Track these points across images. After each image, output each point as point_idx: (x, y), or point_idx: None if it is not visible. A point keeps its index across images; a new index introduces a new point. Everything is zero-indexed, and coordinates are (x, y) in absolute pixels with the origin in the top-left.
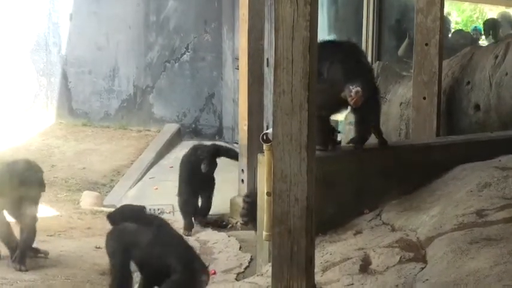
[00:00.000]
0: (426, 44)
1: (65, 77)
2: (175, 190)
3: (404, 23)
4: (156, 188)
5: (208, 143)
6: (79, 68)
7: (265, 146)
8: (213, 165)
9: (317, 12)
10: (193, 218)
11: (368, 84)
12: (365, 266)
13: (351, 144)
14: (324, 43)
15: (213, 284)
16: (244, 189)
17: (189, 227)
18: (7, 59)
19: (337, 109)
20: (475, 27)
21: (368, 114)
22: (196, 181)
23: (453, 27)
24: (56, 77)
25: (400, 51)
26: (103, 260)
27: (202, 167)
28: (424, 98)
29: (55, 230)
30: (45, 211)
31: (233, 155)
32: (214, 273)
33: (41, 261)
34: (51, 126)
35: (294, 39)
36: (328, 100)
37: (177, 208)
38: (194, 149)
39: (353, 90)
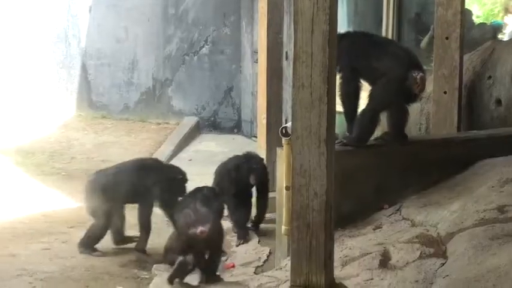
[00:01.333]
0: (447, 38)
1: (84, 69)
2: (194, 183)
3: (424, 16)
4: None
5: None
6: (98, 60)
7: (284, 140)
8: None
9: (336, 6)
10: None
11: (425, 73)
12: (385, 261)
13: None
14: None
15: (231, 277)
16: None
17: (243, 236)
18: (27, 52)
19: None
20: (494, 21)
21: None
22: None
23: (474, 21)
24: (76, 70)
25: (423, 45)
26: (123, 251)
27: (252, 178)
28: (445, 93)
29: (75, 221)
30: (65, 203)
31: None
32: (233, 266)
33: (60, 253)
34: (71, 119)
35: (313, 32)
36: (392, 92)
37: None
38: (244, 158)
39: (418, 77)
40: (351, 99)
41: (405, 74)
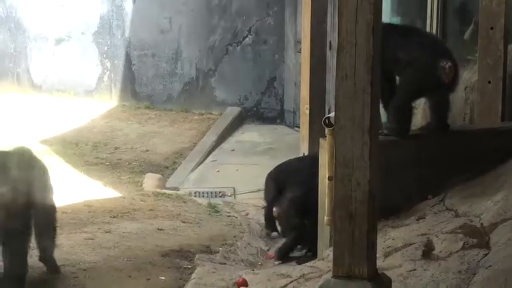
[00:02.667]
0: (491, 28)
1: (128, 59)
2: (237, 173)
3: (469, 6)
4: (218, 171)
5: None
6: (142, 50)
7: (327, 130)
8: None
9: None
10: None
11: (455, 61)
12: (428, 252)
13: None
14: (395, 28)
15: (274, 267)
16: None
17: None
18: (72, 42)
19: (427, 91)
20: None
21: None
22: None
23: None
24: (120, 60)
25: (466, 36)
26: (165, 241)
27: None
28: (489, 82)
29: (118, 211)
30: (108, 193)
31: None
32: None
33: (103, 243)
34: (115, 109)
35: (357, 22)
36: (419, 82)
37: (238, 191)
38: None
39: (446, 66)
40: (384, 91)
41: (432, 64)
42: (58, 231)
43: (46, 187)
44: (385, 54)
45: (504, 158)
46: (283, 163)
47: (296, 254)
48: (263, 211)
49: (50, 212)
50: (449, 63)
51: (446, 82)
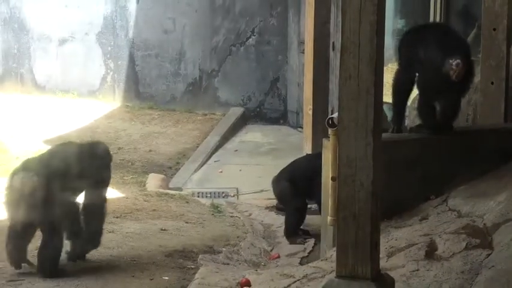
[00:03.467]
0: (494, 29)
1: (132, 60)
2: (240, 173)
3: (472, 7)
4: (221, 171)
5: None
6: (146, 51)
7: (330, 131)
8: None
9: None
10: None
11: (468, 59)
12: (430, 252)
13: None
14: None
15: (277, 268)
16: None
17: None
18: (76, 42)
19: (442, 90)
20: None
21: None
22: None
23: None
24: (123, 60)
25: (469, 39)
26: (168, 242)
27: None
28: (492, 83)
29: (121, 211)
30: (111, 193)
31: None
32: (278, 256)
33: (107, 243)
34: (118, 109)
35: (361, 23)
36: (432, 81)
37: (241, 191)
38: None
39: (454, 63)
40: (403, 91)
41: (441, 61)
42: None
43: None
44: (413, 55)
45: (507, 159)
46: (294, 162)
47: (299, 254)
48: (266, 211)
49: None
50: (457, 60)
51: (455, 79)
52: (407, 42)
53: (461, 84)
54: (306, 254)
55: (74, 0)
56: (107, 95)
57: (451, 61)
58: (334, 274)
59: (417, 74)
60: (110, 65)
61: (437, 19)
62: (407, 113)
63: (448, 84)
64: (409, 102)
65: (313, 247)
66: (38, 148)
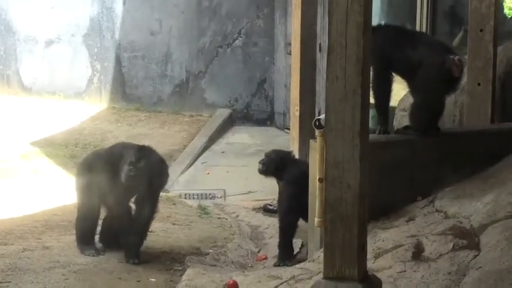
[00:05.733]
0: (481, 30)
1: (118, 61)
2: (227, 175)
3: (458, 9)
4: (208, 173)
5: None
6: (132, 53)
7: (317, 132)
8: None
9: None
10: None
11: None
12: (418, 253)
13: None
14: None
15: (264, 269)
16: None
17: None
18: (62, 44)
19: (444, 89)
20: None
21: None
22: None
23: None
24: (110, 62)
25: (456, 42)
26: (155, 243)
27: None
28: (479, 84)
29: None
30: None
31: None
32: (266, 258)
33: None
34: (104, 111)
35: (347, 24)
36: (434, 79)
37: (228, 193)
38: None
39: (455, 58)
40: (384, 91)
41: (442, 59)
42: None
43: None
44: (395, 55)
45: (493, 160)
46: None
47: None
48: (254, 213)
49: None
50: (457, 56)
51: (457, 75)
52: (384, 42)
53: (457, 84)
54: (293, 256)
55: (60, 1)
56: (94, 96)
57: (452, 57)
58: (321, 275)
59: (405, 77)
60: (97, 67)
61: (424, 21)
62: (394, 115)
63: (448, 83)
64: (395, 104)
65: (300, 248)
66: (24, 150)
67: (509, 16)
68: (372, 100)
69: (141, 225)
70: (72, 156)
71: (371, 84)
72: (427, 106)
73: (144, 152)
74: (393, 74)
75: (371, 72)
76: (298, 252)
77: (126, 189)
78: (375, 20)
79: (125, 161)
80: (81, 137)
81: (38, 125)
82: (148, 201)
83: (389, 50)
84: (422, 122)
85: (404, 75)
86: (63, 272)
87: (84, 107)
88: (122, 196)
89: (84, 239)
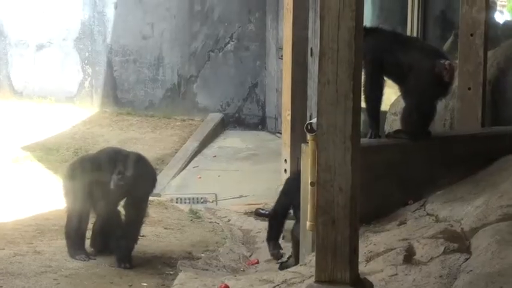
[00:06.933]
0: (471, 35)
1: (109, 65)
2: (218, 179)
3: (449, 13)
4: (200, 177)
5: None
6: (124, 56)
7: (309, 136)
8: None
9: (363, 2)
10: None
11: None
12: (409, 257)
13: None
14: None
15: (256, 273)
16: None
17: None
18: (53, 48)
19: (434, 94)
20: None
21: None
22: None
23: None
24: (101, 66)
25: (446, 46)
26: (147, 248)
27: None
28: (469, 89)
29: None
30: None
31: None
32: (257, 262)
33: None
34: (96, 115)
35: (339, 28)
36: (425, 83)
37: (220, 197)
38: None
39: (446, 63)
40: (375, 95)
41: (433, 63)
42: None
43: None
44: (387, 59)
45: (484, 164)
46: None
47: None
48: (245, 217)
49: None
50: (448, 61)
51: (448, 80)
52: (376, 46)
53: (448, 88)
54: (285, 259)
55: (51, 5)
56: (85, 100)
57: (442, 61)
58: (313, 279)
59: (396, 81)
60: (88, 71)
61: (415, 25)
62: (385, 119)
63: (438, 87)
64: (386, 108)
65: (292, 252)
66: (15, 154)
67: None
68: (363, 104)
69: (131, 229)
70: (63, 161)
71: (363, 88)
72: (418, 110)
73: (131, 159)
74: (385, 78)
75: (363, 76)
76: (290, 256)
77: (114, 194)
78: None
79: (113, 169)
80: (72, 141)
81: (29, 129)
82: (137, 205)
83: (381, 54)
84: (413, 126)
85: (396, 80)
86: (55, 276)
87: (76, 111)
88: (111, 201)
89: (75, 244)
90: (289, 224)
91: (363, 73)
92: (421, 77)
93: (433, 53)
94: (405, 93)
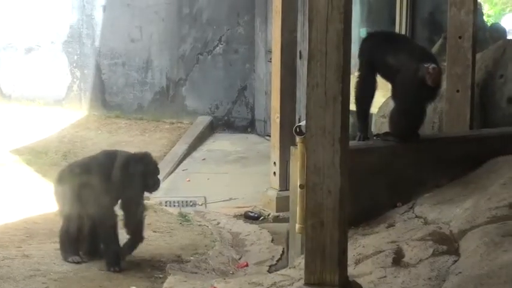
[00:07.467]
0: (460, 37)
1: (98, 69)
2: (208, 182)
3: (437, 16)
4: (189, 180)
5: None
6: (112, 60)
7: (298, 139)
8: None
9: (351, 5)
10: None
11: (440, 67)
12: (398, 259)
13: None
14: (376, 34)
15: (245, 276)
16: (276, 182)
17: None
18: (41, 51)
19: (419, 97)
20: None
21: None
22: None
23: (485, 20)
24: (90, 69)
25: (435, 49)
26: (136, 251)
27: None
28: (458, 91)
29: None
30: None
31: None
32: (247, 265)
33: None
34: (85, 118)
35: (328, 31)
36: (411, 87)
37: (209, 200)
38: None
39: (430, 67)
40: (365, 98)
41: (416, 67)
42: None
43: None
44: (379, 61)
45: (473, 166)
46: None
47: (267, 262)
48: (235, 220)
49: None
50: (433, 65)
51: (431, 84)
52: (371, 49)
53: (434, 92)
54: (274, 262)
55: (40, 9)
56: (73, 103)
57: (426, 65)
58: (302, 282)
59: (390, 83)
60: (76, 74)
61: (403, 27)
62: (373, 121)
63: (423, 91)
64: (375, 110)
65: (281, 255)
66: (4, 158)
67: (489, 24)
68: (352, 107)
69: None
70: (52, 164)
71: (354, 90)
72: (404, 113)
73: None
74: (377, 80)
75: (356, 78)
76: (279, 259)
77: (111, 196)
78: (355, 28)
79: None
80: (61, 145)
81: (17, 132)
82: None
83: (373, 56)
84: (401, 128)
85: (388, 81)
86: (44, 280)
87: (64, 115)
88: (108, 203)
89: (68, 247)
90: (282, 227)
91: (354, 75)
92: (405, 80)
93: (420, 55)
94: (393, 95)
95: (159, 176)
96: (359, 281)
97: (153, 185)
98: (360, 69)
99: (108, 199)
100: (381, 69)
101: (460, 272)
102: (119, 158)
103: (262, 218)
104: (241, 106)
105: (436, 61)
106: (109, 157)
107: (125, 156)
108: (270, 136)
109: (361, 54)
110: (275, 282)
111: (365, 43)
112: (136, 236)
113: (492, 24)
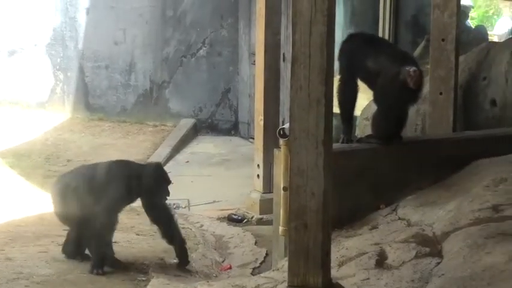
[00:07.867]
0: (443, 40)
1: (81, 71)
2: (191, 185)
3: (420, 18)
4: (172, 183)
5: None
6: (96, 62)
7: (281, 141)
8: None
9: (335, 7)
10: None
11: (421, 70)
12: (381, 261)
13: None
14: (356, 36)
15: (229, 279)
16: (260, 185)
17: None
18: (24, 54)
19: (401, 100)
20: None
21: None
22: None
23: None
24: (73, 72)
25: (418, 51)
26: (119, 254)
27: None
28: (441, 93)
29: None
30: None
31: None
32: (230, 267)
33: (57, 256)
34: (68, 121)
35: (311, 34)
36: (391, 90)
37: (192, 202)
38: None
39: (411, 70)
40: (349, 101)
41: (397, 70)
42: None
43: None
44: (358, 64)
45: (456, 168)
46: None
47: (251, 264)
48: (218, 222)
49: None
50: (414, 68)
51: (413, 86)
52: (351, 52)
53: (415, 94)
54: (258, 265)
55: (23, 11)
56: (56, 106)
57: (407, 68)
58: (285, 284)
59: (369, 87)
60: (60, 76)
61: (387, 29)
62: (357, 123)
63: (405, 93)
64: (358, 113)
65: (264, 257)
66: None
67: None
68: (336, 109)
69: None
70: (35, 167)
71: (336, 94)
72: (386, 115)
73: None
74: (358, 83)
75: (338, 82)
76: (262, 262)
77: (122, 201)
78: (338, 30)
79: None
80: (44, 147)
81: (0, 135)
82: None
83: (353, 59)
84: (383, 131)
85: (368, 84)
86: (26, 283)
87: (47, 117)
88: (116, 207)
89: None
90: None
91: (336, 78)
92: (386, 83)
93: (401, 59)
94: (375, 98)
95: None
96: (342, 283)
97: (168, 193)
98: (340, 72)
99: (118, 203)
100: (361, 72)
101: (442, 274)
102: (147, 167)
103: (245, 220)
104: (225, 109)
105: (417, 64)
106: (123, 166)
107: (154, 165)
108: (253, 138)
109: (341, 56)
110: (258, 284)
111: (345, 44)
112: (181, 241)
113: (476, 26)
